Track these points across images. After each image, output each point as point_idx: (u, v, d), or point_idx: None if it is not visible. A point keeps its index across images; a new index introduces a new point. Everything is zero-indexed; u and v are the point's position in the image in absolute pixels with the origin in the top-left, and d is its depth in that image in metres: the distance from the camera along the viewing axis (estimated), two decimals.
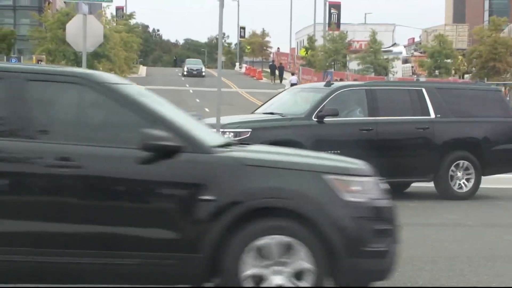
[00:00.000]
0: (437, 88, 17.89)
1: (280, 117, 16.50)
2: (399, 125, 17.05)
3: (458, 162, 17.21)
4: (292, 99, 17.94)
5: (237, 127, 15.73)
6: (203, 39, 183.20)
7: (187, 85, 77.22)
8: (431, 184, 17.69)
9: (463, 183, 17.26)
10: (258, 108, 18.63)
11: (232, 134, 15.37)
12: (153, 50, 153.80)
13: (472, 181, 17.23)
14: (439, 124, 17.22)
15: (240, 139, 14.71)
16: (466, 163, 17.24)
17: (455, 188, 17.21)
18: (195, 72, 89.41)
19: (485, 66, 55.21)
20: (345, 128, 16.48)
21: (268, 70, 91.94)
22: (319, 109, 16.31)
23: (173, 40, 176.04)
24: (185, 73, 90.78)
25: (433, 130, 17.13)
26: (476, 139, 17.44)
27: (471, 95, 18.10)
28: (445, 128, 17.22)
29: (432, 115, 17.25)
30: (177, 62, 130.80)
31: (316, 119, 16.20)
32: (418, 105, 17.19)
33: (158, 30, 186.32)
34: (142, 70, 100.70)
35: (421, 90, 17.37)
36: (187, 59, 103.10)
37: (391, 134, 16.86)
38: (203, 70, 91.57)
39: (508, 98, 48.69)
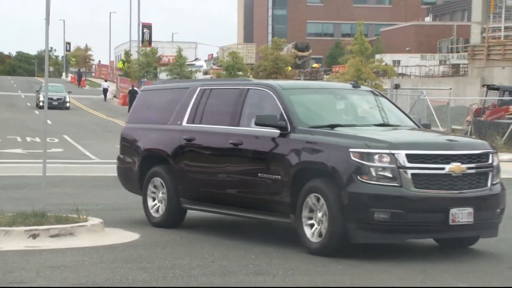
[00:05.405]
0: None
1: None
2: None
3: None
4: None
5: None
6: (33, 51, 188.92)
7: (19, 91, 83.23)
8: None
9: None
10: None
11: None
12: None
13: None
14: None
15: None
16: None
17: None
18: (55, 103, 61.95)
19: (268, 78, 62.63)
20: None
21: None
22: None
23: (6, 52, 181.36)
24: (40, 103, 61.80)
25: None
26: None
27: None
28: None
29: None
30: None
31: None
32: None
33: None
34: None
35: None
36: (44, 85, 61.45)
37: None
38: (68, 99, 65.15)
39: None
